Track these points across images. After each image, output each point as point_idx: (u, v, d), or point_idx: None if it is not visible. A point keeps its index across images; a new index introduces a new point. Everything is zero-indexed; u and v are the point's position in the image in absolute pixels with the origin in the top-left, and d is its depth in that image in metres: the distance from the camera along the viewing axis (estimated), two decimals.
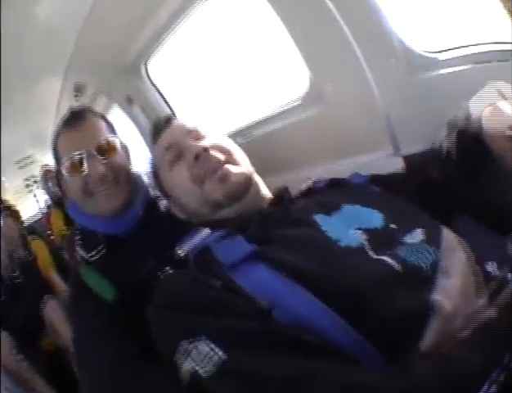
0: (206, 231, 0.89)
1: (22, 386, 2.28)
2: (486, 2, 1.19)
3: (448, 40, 1.37)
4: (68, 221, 3.00)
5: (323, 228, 0.81)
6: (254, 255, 0.74)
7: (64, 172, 1.19)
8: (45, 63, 2.64)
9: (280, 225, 0.85)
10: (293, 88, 1.86)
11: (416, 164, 1.39)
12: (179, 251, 0.89)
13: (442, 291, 0.67)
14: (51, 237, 3.69)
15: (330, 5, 1.39)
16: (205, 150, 0.97)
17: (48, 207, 4.20)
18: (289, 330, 0.64)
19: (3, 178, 4.72)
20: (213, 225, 0.92)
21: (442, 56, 1.38)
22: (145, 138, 2.96)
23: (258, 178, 1.05)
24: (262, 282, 0.70)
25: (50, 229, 3.80)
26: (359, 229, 0.81)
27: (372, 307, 0.65)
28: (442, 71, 1.35)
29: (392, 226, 0.83)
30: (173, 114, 2.66)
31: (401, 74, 1.41)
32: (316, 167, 1.79)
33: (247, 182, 0.97)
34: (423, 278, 0.70)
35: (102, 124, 1.26)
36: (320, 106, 1.70)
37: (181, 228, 1.05)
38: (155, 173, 1.13)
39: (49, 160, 4.35)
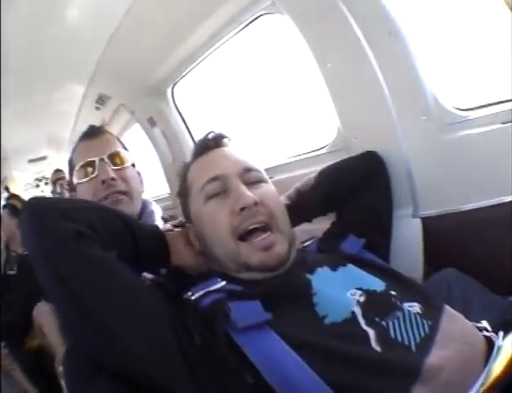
0: (222, 282, 0.84)
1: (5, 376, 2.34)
2: None
3: (478, 97, 1.34)
4: None
5: (314, 300, 0.79)
6: (265, 323, 0.73)
7: (75, 179, 1.25)
8: (69, 69, 2.66)
9: (286, 295, 0.82)
10: (320, 136, 1.84)
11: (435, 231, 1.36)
12: (191, 295, 0.83)
13: (435, 362, 0.67)
14: None
15: (370, 55, 1.39)
16: (255, 204, 0.89)
17: None
18: None
19: (15, 172, 4.81)
20: (230, 278, 0.89)
21: (473, 114, 1.32)
22: (162, 161, 2.96)
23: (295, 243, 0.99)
24: (267, 353, 0.69)
25: None
26: (359, 289, 0.81)
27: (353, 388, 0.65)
28: (472, 131, 1.30)
29: (393, 292, 0.82)
30: (194, 141, 2.64)
31: (430, 133, 1.37)
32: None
33: (286, 257, 0.90)
34: (405, 362, 0.68)
35: (117, 142, 1.34)
36: (345, 156, 1.61)
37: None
38: (183, 193, 1.04)
39: (62, 164, 4.45)
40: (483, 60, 1.38)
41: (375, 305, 0.78)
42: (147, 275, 1.06)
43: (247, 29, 1.97)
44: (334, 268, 0.89)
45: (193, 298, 0.81)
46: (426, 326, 0.74)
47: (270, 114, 2.33)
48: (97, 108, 3.10)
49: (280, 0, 1.59)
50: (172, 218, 1.44)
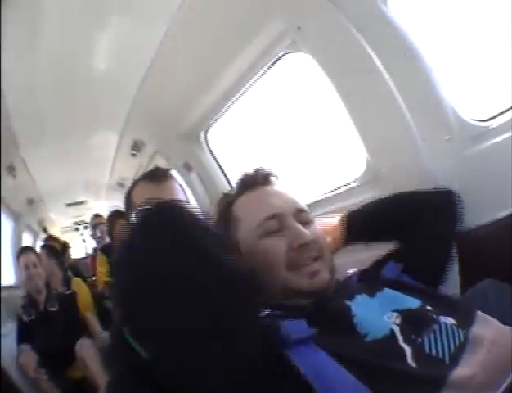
0: (267, 310, 0.86)
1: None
2: None
3: (495, 105, 1.34)
4: (111, 270, 3.11)
5: (354, 321, 0.80)
6: (312, 339, 0.75)
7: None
8: (102, 114, 2.78)
9: (328, 316, 0.84)
10: (350, 170, 1.84)
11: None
12: None
13: (465, 370, 0.69)
14: (93, 279, 3.85)
15: (389, 81, 1.41)
16: (313, 241, 0.93)
17: (95, 251, 4.31)
18: None
19: (52, 214, 4.99)
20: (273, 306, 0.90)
21: (493, 123, 1.33)
22: (200, 205, 2.93)
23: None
24: (318, 365, 0.70)
25: (93, 272, 3.95)
26: (396, 311, 0.84)
27: None
28: (497, 139, 1.30)
29: (428, 308, 0.85)
30: (230, 184, 2.68)
31: (455, 149, 1.37)
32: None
33: (329, 284, 0.93)
34: (436, 375, 0.70)
35: (181, 189, 1.32)
36: (376, 188, 1.65)
37: None
38: (227, 226, 1.02)
39: (100, 209, 4.58)
40: (493, 68, 1.40)
41: (411, 322, 0.80)
42: None
43: (272, 69, 2.02)
44: (371, 294, 0.91)
45: None
46: (461, 335, 0.78)
47: (300, 152, 2.37)
48: (133, 155, 3.21)
49: (299, 37, 1.64)
50: None
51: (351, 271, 1.10)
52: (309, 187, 2.15)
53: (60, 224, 5.34)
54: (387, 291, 0.92)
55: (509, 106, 1.30)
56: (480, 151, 1.34)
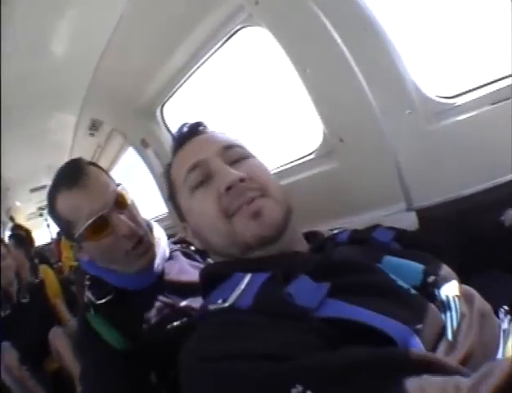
0: (248, 276, 0.74)
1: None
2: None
3: (463, 82, 1.35)
4: None
5: (392, 276, 0.72)
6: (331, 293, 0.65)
7: (83, 238, 1.05)
8: (59, 97, 2.71)
9: (342, 271, 0.73)
10: (306, 142, 1.83)
11: (433, 221, 1.35)
12: (222, 302, 0.71)
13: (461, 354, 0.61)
14: (60, 264, 3.78)
15: (348, 55, 1.39)
16: (242, 180, 0.80)
17: (59, 235, 4.24)
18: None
19: (17, 203, 4.88)
20: (246, 264, 0.80)
21: (458, 101, 1.34)
22: (157, 182, 2.96)
23: (294, 217, 0.87)
24: (356, 311, 0.61)
25: (59, 257, 3.87)
26: None
27: None
28: (459, 118, 1.31)
29: (431, 279, 0.75)
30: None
31: (416, 125, 1.38)
32: (326, 223, 1.64)
33: (283, 222, 0.81)
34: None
35: (102, 173, 1.13)
36: (333, 160, 1.67)
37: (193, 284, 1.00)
38: (172, 194, 0.94)
39: None
40: (457, 46, 1.38)
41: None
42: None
43: (228, 44, 2.00)
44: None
45: (227, 304, 0.71)
46: (459, 313, 0.69)
47: (256, 125, 2.34)
48: (91, 134, 3.14)
49: (256, 12, 1.60)
50: (172, 237, 1.36)
51: (337, 231, 1.01)
52: (266, 160, 2.13)
53: (26, 211, 5.25)
54: (387, 259, 0.81)
55: (474, 86, 1.31)
56: (442, 128, 1.34)
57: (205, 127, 0.95)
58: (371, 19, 1.36)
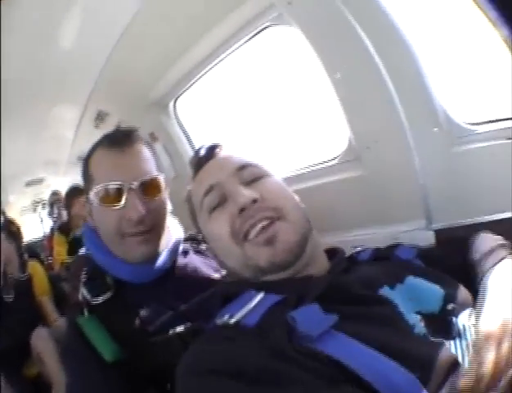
0: (260, 295, 0.75)
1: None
2: None
3: (487, 112, 1.35)
4: (70, 250, 2.95)
5: (400, 309, 0.71)
6: (336, 327, 0.64)
7: (93, 198, 1.03)
8: (66, 87, 2.63)
9: (350, 299, 0.73)
10: (330, 147, 1.80)
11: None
12: (229, 319, 0.73)
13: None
14: (50, 261, 3.63)
15: (381, 67, 1.38)
16: (254, 201, 0.80)
17: (52, 231, 4.11)
18: None
19: (11, 197, 4.76)
20: (259, 286, 0.79)
21: (480, 129, 1.34)
22: (164, 178, 2.88)
23: (314, 238, 0.88)
24: (354, 351, 0.60)
25: (50, 253, 3.74)
26: (418, 313, 0.73)
27: None
28: (480, 145, 1.31)
29: (450, 306, 0.75)
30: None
31: (442, 144, 1.38)
32: (343, 232, 1.72)
33: (298, 249, 0.80)
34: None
35: (150, 155, 1.10)
36: (356, 168, 1.64)
37: (204, 285, 0.97)
38: (194, 218, 0.96)
39: (59, 186, 4.38)
40: (491, 76, 1.37)
41: (434, 330, 0.71)
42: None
43: (253, 41, 1.95)
44: (392, 285, 0.79)
45: (233, 320, 0.72)
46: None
47: (278, 126, 2.29)
48: (96, 126, 3.05)
49: (288, 11, 1.57)
50: None
51: (360, 249, 1.00)
52: (286, 161, 2.11)
53: (19, 206, 5.12)
54: (409, 279, 0.80)
55: (499, 117, 1.31)
56: (464, 152, 1.35)
57: (221, 148, 0.96)
58: (404, 34, 1.35)
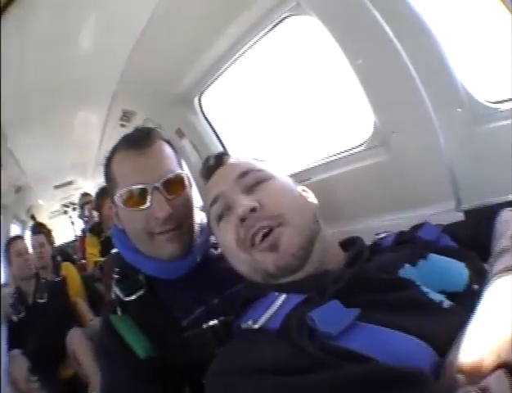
0: (282, 297, 0.74)
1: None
2: None
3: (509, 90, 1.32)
4: (103, 250, 2.97)
5: (423, 289, 0.70)
6: (359, 319, 0.64)
7: (119, 202, 1.03)
8: (91, 87, 2.64)
9: (371, 288, 0.72)
10: (356, 133, 1.78)
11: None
12: (253, 324, 0.72)
13: None
14: (83, 262, 3.70)
15: (401, 51, 1.37)
16: (253, 210, 0.81)
17: (83, 232, 4.17)
18: None
19: (40, 201, 4.83)
20: (280, 287, 0.79)
21: (503, 107, 1.32)
22: (193, 175, 2.88)
23: (323, 236, 0.87)
24: (379, 342, 0.60)
25: (83, 255, 3.79)
26: (443, 293, 0.71)
27: None
28: (505, 122, 1.28)
29: (476, 287, 0.72)
30: (226, 151, 2.57)
31: (466, 124, 1.36)
32: (373, 218, 1.71)
33: (302, 252, 0.81)
34: None
35: (171, 152, 1.08)
36: (383, 153, 1.62)
37: (236, 278, 0.94)
38: (209, 226, 0.98)
39: (89, 188, 4.46)
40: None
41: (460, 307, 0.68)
42: None
43: (272, 32, 1.93)
44: (414, 263, 0.78)
45: (257, 326, 0.72)
46: None
47: (302, 116, 2.27)
48: (122, 125, 3.06)
49: (306, 1, 1.57)
50: None
51: (383, 235, 1.00)
52: (312, 150, 2.10)
53: (48, 209, 5.22)
54: (431, 259, 0.78)
55: None
56: (489, 130, 1.33)
57: (228, 156, 0.98)
58: (423, 17, 1.34)
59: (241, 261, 0.86)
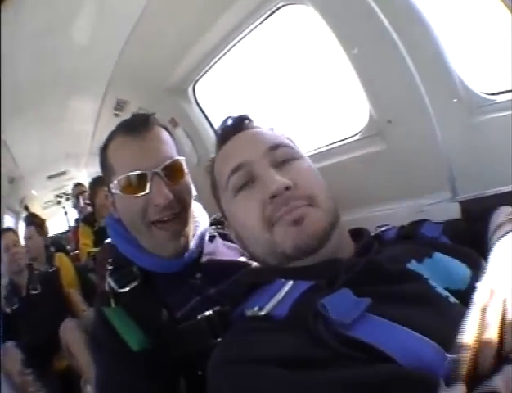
0: (289, 284, 0.72)
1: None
2: None
3: (505, 82, 1.34)
4: (96, 240, 2.96)
5: (431, 283, 0.69)
6: (369, 310, 0.62)
7: (116, 189, 1.00)
8: (84, 77, 2.61)
9: (382, 279, 0.70)
10: (351, 122, 1.78)
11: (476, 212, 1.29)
12: (259, 310, 0.71)
13: None
14: (76, 252, 3.67)
15: (397, 41, 1.36)
16: (287, 188, 0.76)
17: (77, 222, 4.15)
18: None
19: (33, 191, 4.80)
20: (287, 273, 0.77)
21: (499, 98, 1.34)
22: (187, 163, 2.89)
23: (341, 225, 0.84)
24: (388, 334, 0.58)
25: (76, 245, 3.77)
26: (447, 289, 0.70)
27: None
28: (501, 114, 1.30)
29: (476, 285, 0.70)
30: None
31: (461, 115, 1.37)
32: (369, 207, 1.72)
33: (324, 235, 0.77)
34: None
35: (169, 138, 1.06)
36: (379, 143, 1.63)
37: (232, 270, 0.94)
38: (215, 190, 0.92)
39: (82, 178, 4.42)
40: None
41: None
42: None
43: (268, 22, 1.92)
44: (420, 260, 0.76)
45: (263, 312, 0.70)
46: None
47: (298, 105, 2.27)
48: (116, 114, 3.03)
49: None
50: None
51: (385, 228, 0.98)
52: (307, 140, 2.05)
53: (42, 200, 5.18)
54: (437, 257, 0.77)
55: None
56: (485, 122, 1.34)
57: (251, 121, 0.91)
58: (419, 7, 1.33)
59: (258, 240, 0.81)
